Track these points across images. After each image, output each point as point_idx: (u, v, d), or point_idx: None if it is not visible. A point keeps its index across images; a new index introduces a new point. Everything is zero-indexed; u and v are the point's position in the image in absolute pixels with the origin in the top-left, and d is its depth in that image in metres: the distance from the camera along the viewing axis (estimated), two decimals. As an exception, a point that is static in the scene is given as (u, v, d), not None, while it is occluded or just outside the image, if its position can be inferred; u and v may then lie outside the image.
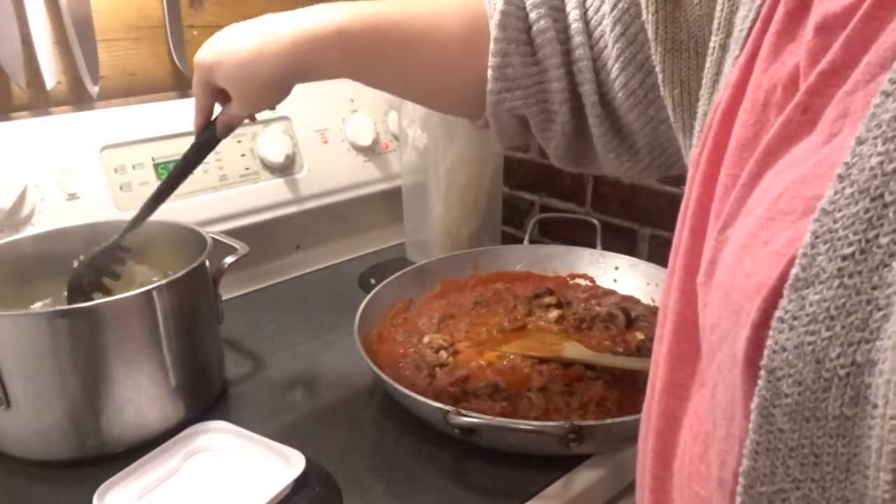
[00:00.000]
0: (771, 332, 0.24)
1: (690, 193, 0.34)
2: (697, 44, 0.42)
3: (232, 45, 0.54)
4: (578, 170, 0.59)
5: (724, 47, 0.37)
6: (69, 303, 0.70)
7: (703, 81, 0.38)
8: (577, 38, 0.50)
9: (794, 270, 0.24)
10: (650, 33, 0.44)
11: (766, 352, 0.24)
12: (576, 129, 0.54)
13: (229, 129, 0.61)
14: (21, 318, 0.61)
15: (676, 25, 0.42)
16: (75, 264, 0.71)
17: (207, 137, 0.61)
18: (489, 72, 0.52)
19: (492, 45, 0.52)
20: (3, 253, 0.70)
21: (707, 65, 0.38)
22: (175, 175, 0.65)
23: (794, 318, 0.24)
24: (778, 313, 0.24)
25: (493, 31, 0.51)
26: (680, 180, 0.98)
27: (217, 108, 0.61)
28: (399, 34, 0.54)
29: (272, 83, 0.55)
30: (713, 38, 0.37)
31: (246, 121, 0.61)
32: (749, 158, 0.29)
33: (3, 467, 0.64)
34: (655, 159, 0.54)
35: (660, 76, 0.44)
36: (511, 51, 0.51)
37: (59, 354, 0.60)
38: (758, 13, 0.33)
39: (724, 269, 0.28)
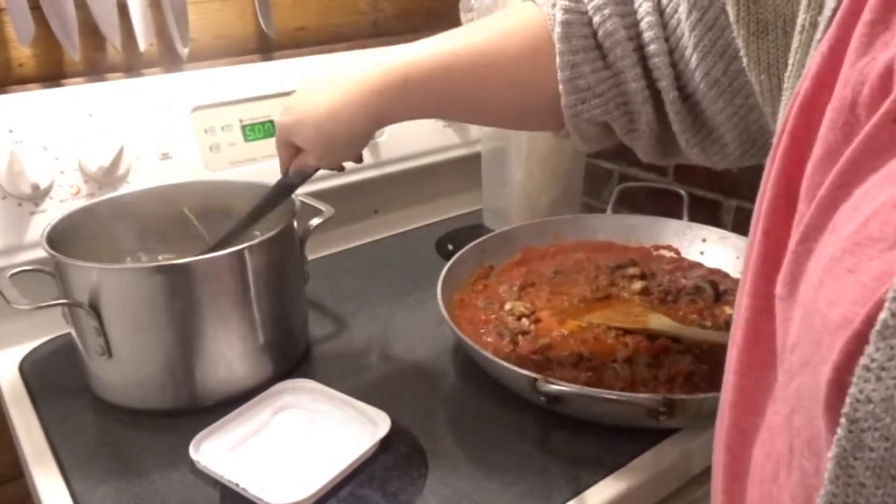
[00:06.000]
0: (855, 380, 0.22)
1: (765, 191, 0.31)
2: (786, 23, 0.38)
3: (307, 109, 0.57)
4: (667, 162, 0.56)
5: (815, 25, 0.33)
6: None
7: (790, 63, 0.34)
8: (650, 33, 0.47)
9: (883, 315, 0.21)
10: (731, 16, 0.40)
11: (848, 399, 0.22)
12: (663, 125, 0.52)
13: (304, 176, 0.63)
14: (122, 272, 0.63)
15: (761, 4, 0.38)
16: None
17: (285, 185, 0.64)
18: (560, 86, 0.50)
19: (557, 60, 0.50)
20: (102, 209, 0.73)
21: (794, 44, 0.34)
22: (252, 215, 0.68)
23: (882, 369, 0.21)
24: (863, 360, 0.21)
25: (557, 45, 0.49)
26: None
27: None
28: (464, 69, 0.53)
29: (349, 140, 0.58)
30: (802, 15, 0.33)
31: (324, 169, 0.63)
32: (834, 166, 0.26)
33: (104, 414, 0.67)
34: (747, 150, 0.50)
35: (745, 61, 0.40)
36: (579, 61, 0.49)
37: (157, 308, 0.62)
38: None
39: (807, 286, 0.26)
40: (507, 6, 0.61)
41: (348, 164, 0.64)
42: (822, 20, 0.31)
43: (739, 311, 0.32)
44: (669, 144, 0.53)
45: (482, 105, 0.57)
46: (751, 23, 0.39)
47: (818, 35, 0.31)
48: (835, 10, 0.30)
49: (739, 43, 0.40)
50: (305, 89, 0.58)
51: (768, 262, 0.30)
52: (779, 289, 0.28)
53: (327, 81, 0.56)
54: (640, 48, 0.48)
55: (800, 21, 0.33)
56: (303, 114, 0.57)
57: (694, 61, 0.46)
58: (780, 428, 0.28)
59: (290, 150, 0.61)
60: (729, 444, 0.32)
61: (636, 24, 0.48)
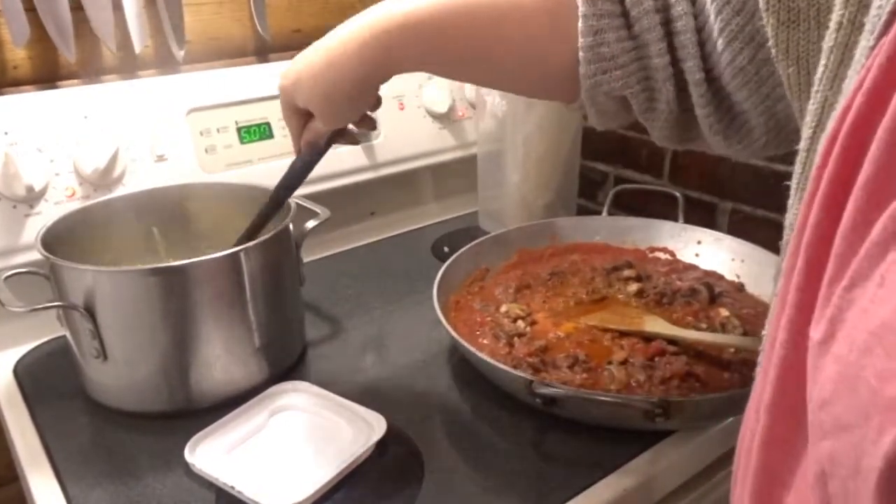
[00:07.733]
0: None
1: (808, 215, 0.28)
2: (819, 12, 0.35)
3: (304, 64, 0.55)
4: (683, 147, 0.53)
5: (854, 23, 0.30)
6: None
7: (825, 62, 0.32)
8: (679, 7, 0.44)
9: None
10: (761, 2, 0.37)
11: None
12: (684, 107, 0.49)
13: (316, 149, 0.61)
14: (118, 275, 0.63)
15: None
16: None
17: (301, 164, 0.63)
18: (580, 53, 0.47)
19: (580, 23, 0.46)
20: (97, 211, 0.73)
21: (830, 42, 0.31)
22: (271, 205, 0.67)
23: None
24: None
25: (581, 6, 0.46)
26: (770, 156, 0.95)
27: None
28: (473, 21, 0.50)
29: (351, 90, 0.54)
30: (839, 11, 0.30)
31: (341, 140, 0.62)
32: (886, 195, 0.23)
33: (99, 417, 0.66)
34: (772, 140, 0.47)
35: (773, 51, 0.37)
36: (604, 26, 0.46)
37: (152, 311, 0.62)
38: None
39: (846, 341, 0.23)
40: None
41: (346, 166, 0.64)
42: (874, 21, 0.28)
43: (774, 346, 0.29)
44: (687, 129, 0.50)
45: (491, 64, 0.53)
46: (781, 11, 0.36)
47: (867, 41, 0.28)
48: (892, 13, 0.27)
49: (768, 32, 0.37)
50: (304, 50, 0.56)
51: (808, 294, 0.28)
52: (815, 331, 0.26)
53: (325, 37, 0.54)
54: (668, 22, 0.45)
55: (836, 17, 0.31)
56: (300, 71, 0.55)
57: (720, 45, 0.43)
58: (812, 483, 0.26)
59: (298, 119, 0.59)
60: (757, 487, 0.30)
61: None
